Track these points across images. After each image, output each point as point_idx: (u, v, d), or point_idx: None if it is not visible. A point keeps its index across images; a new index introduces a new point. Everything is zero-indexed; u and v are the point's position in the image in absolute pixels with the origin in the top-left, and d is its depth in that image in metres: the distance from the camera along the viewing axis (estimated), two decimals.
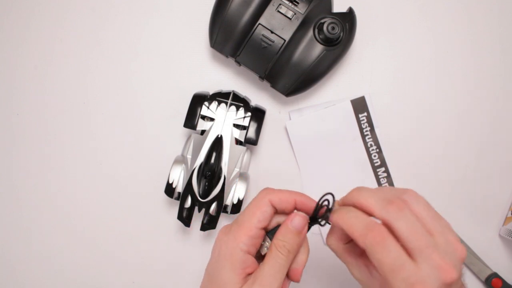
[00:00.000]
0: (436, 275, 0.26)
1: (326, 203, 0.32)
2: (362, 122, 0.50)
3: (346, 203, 0.31)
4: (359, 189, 0.31)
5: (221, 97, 0.46)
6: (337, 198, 0.33)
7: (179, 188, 0.45)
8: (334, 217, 0.31)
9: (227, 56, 0.47)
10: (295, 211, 0.33)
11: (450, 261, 0.27)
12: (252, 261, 0.32)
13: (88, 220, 0.51)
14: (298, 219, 0.32)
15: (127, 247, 0.50)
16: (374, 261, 0.28)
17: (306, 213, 0.33)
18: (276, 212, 0.33)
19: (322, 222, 0.32)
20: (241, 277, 0.31)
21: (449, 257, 0.27)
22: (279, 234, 0.32)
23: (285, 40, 0.45)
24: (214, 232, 0.50)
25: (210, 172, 0.44)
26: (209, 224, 0.45)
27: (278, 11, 0.45)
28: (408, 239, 0.27)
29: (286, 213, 0.33)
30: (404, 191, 0.30)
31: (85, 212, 0.50)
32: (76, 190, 0.51)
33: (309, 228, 0.33)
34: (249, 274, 0.32)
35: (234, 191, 0.45)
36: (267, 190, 0.33)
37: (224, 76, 0.51)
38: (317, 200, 0.32)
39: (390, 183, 0.50)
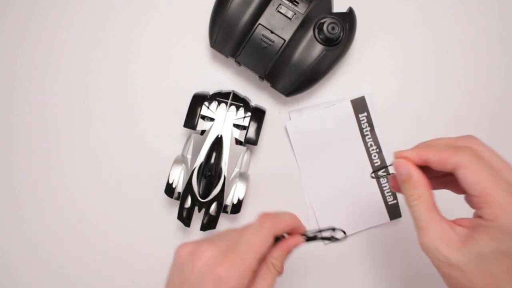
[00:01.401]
0: None
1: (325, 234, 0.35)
2: (362, 122, 0.50)
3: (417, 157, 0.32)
4: (420, 145, 0.32)
5: (221, 97, 0.46)
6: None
7: (179, 188, 0.45)
8: (415, 150, 0.31)
9: (227, 56, 0.47)
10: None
11: None
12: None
13: (88, 220, 0.51)
14: (295, 243, 0.34)
15: (127, 247, 0.50)
16: (470, 176, 0.28)
17: (293, 231, 0.35)
18: None
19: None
20: None
21: None
22: (279, 257, 0.33)
23: (285, 40, 0.45)
24: (214, 232, 0.50)
25: (210, 172, 0.44)
26: (209, 224, 0.45)
27: (278, 11, 0.45)
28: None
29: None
30: (466, 138, 0.32)
31: (85, 212, 0.50)
32: (75, 190, 0.51)
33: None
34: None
35: (234, 191, 0.45)
36: (271, 221, 0.32)
37: (224, 76, 0.51)
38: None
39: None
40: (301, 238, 0.34)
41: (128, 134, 0.51)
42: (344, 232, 0.37)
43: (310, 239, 0.35)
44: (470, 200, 0.30)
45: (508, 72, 0.51)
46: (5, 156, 0.51)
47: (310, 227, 0.50)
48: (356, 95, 0.50)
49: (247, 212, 0.50)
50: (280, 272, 0.33)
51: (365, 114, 0.50)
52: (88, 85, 0.51)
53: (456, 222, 0.30)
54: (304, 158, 0.50)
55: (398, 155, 0.32)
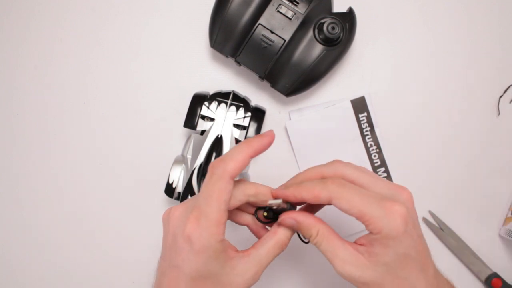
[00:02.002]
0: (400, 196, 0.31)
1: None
2: (362, 122, 0.50)
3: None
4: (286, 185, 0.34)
5: (221, 97, 0.46)
6: None
7: (179, 188, 0.45)
8: (290, 191, 0.32)
9: (227, 56, 0.47)
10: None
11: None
12: (228, 244, 0.31)
13: (88, 220, 0.50)
14: (303, 219, 0.33)
15: (127, 247, 0.50)
16: (344, 204, 0.30)
17: (262, 152, 0.33)
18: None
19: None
20: (230, 263, 0.31)
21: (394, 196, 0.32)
22: (289, 233, 0.33)
23: (285, 40, 0.45)
24: None
25: None
26: None
27: (278, 11, 0.45)
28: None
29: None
30: (331, 164, 0.33)
31: (85, 212, 0.50)
32: (75, 190, 0.51)
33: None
34: (235, 255, 0.31)
35: None
36: (220, 165, 0.30)
37: (224, 76, 0.51)
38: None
39: None
40: (304, 214, 0.33)
41: (128, 134, 0.51)
42: None
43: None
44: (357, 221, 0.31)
45: (508, 72, 0.51)
46: (5, 156, 0.51)
47: None
48: (356, 95, 0.50)
49: None
50: (283, 250, 0.33)
51: (365, 114, 0.50)
52: (88, 85, 0.51)
53: (357, 242, 0.32)
54: (304, 158, 0.50)
55: (275, 196, 0.33)
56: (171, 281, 0.31)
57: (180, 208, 0.32)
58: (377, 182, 0.32)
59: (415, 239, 0.31)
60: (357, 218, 0.30)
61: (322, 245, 0.32)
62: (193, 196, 0.33)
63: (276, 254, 0.32)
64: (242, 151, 0.31)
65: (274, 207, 0.33)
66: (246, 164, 0.31)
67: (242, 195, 0.32)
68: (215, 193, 0.30)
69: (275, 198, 0.33)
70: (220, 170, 0.30)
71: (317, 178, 0.34)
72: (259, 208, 0.34)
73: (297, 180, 0.35)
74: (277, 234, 0.33)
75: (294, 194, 0.32)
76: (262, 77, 0.46)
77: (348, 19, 0.46)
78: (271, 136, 0.32)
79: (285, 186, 0.35)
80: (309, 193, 0.31)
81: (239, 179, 0.33)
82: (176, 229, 0.30)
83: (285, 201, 0.33)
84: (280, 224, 0.33)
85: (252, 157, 0.31)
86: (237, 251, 0.32)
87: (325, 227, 0.32)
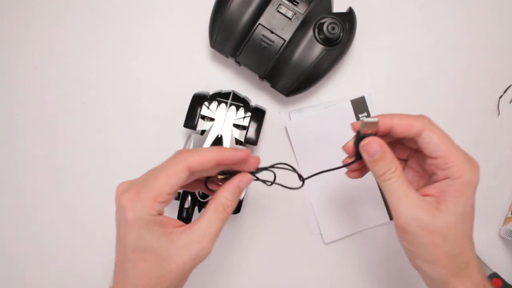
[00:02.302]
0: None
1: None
2: None
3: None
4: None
5: (221, 97, 0.46)
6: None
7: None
8: (382, 118, 0.32)
9: (227, 56, 0.47)
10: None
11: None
12: (167, 219, 0.30)
13: (88, 220, 0.50)
14: (247, 181, 0.32)
15: None
16: (435, 138, 0.30)
17: (230, 166, 0.32)
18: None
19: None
20: (166, 236, 0.29)
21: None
22: (228, 194, 0.31)
23: (285, 40, 0.45)
24: None
25: None
26: None
27: (278, 11, 0.45)
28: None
29: (208, 172, 0.32)
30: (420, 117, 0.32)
31: (85, 213, 0.50)
32: (75, 191, 0.51)
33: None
34: (175, 230, 0.30)
35: None
36: (184, 153, 0.30)
37: (224, 76, 0.51)
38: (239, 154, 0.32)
39: None
40: (247, 176, 0.32)
41: (128, 134, 0.51)
42: (302, 179, 0.35)
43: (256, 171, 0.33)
44: (433, 163, 0.31)
45: (508, 72, 0.51)
46: (5, 156, 0.51)
47: (310, 227, 0.50)
48: (356, 95, 0.50)
49: (247, 212, 0.50)
50: (230, 214, 0.31)
51: (365, 114, 0.50)
52: (88, 85, 0.51)
53: (423, 193, 0.32)
54: (304, 158, 0.50)
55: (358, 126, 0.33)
56: (118, 255, 0.31)
57: (127, 181, 0.32)
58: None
59: (475, 200, 0.31)
60: (441, 157, 0.30)
61: (397, 181, 0.31)
62: (145, 172, 0.32)
63: (219, 219, 0.31)
64: (212, 152, 0.30)
65: (361, 131, 0.32)
66: (209, 165, 0.30)
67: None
68: (166, 173, 0.29)
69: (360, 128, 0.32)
70: (182, 157, 0.30)
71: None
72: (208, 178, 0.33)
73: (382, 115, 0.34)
74: (215, 199, 0.31)
75: (385, 120, 0.31)
76: (262, 77, 0.46)
77: (348, 19, 0.46)
78: (246, 155, 0.31)
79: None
80: (402, 121, 0.31)
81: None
82: (117, 200, 0.30)
83: (371, 130, 0.32)
84: (364, 146, 0.32)
85: (219, 163, 0.30)
86: (181, 226, 0.31)
87: (401, 168, 0.32)
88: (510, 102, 0.51)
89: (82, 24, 0.51)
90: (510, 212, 0.50)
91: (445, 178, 0.30)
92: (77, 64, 0.51)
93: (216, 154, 0.30)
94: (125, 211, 0.29)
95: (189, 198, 0.45)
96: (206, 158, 0.30)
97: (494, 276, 0.48)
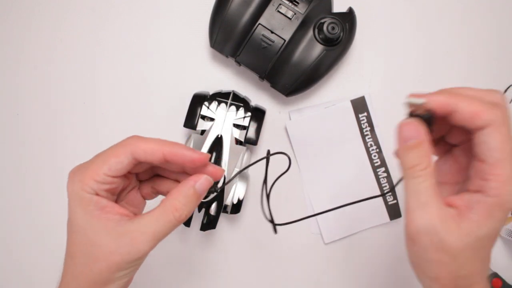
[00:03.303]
0: None
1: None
2: (362, 122, 0.50)
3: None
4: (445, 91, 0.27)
5: (221, 97, 0.46)
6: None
7: None
8: (447, 96, 0.26)
9: (227, 56, 0.47)
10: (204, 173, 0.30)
11: None
12: (109, 203, 0.28)
13: None
14: (204, 183, 0.28)
15: None
16: (498, 137, 0.24)
17: (180, 164, 0.29)
18: (139, 162, 0.29)
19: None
20: (99, 219, 0.27)
21: None
22: (180, 195, 0.28)
23: (285, 40, 0.45)
24: (214, 232, 0.50)
25: None
26: (209, 224, 0.45)
27: (278, 11, 0.45)
28: None
29: (155, 164, 0.30)
30: (493, 93, 0.27)
31: None
32: None
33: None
34: (112, 216, 0.28)
35: (234, 191, 0.45)
36: (133, 138, 0.29)
37: (224, 76, 0.51)
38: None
39: (390, 183, 0.50)
40: (203, 177, 0.28)
41: (128, 133, 0.50)
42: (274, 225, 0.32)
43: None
44: (477, 167, 0.26)
45: (508, 73, 0.51)
46: (5, 156, 0.51)
47: (310, 227, 0.50)
48: (356, 95, 0.50)
49: (247, 212, 0.50)
50: (179, 219, 0.28)
51: (365, 114, 0.50)
52: (88, 85, 0.51)
53: (447, 201, 0.27)
54: (304, 158, 0.50)
55: (418, 96, 0.26)
56: (67, 234, 0.30)
57: (78, 164, 0.30)
58: None
59: (503, 224, 0.26)
60: (489, 164, 0.25)
61: (422, 183, 0.26)
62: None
63: (164, 222, 0.28)
64: (161, 144, 0.28)
65: (411, 110, 0.26)
66: (154, 156, 0.28)
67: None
68: (107, 153, 0.28)
69: (412, 97, 0.27)
70: (129, 141, 0.28)
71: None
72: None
73: (449, 91, 0.28)
74: (167, 199, 0.28)
75: (450, 100, 0.26)
76: (262, 77, 0.46)
77: (348, 19, 0.46)
78: (199, 158, 0.28)
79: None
80: (470, 106, 0.25)
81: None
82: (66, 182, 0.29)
83: (424, 109, 0.26)
84: (402, 126, 0.27)
85: (166, 157, 0.28)
86: (124, 215, 0.28)
87: (433, 168, 0.26)
88: (510, 102, 0.51)
89: (82, 24, 0.51)
90: (510, 212, 0.50)
91: (478, 191, 0.25)
92: (77, 64, 0.51)
93: (165, 148, 0.28)
94: (67, 186, 0.28)
95: None
96: (151, 148, 0.28)
97: (494, 276, 0.48)
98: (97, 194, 0.28)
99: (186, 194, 0.28)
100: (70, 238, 0.29)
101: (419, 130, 0.26)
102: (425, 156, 0.26)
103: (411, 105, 0.26)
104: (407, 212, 0.26)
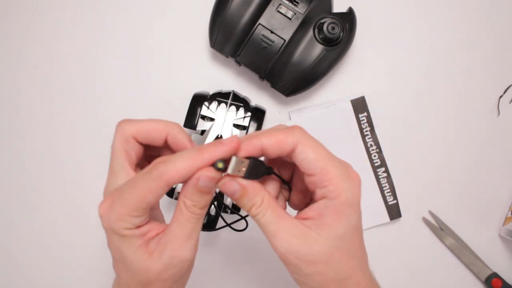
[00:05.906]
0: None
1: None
2: (362, 122, 0.50)
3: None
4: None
5: (221, 97, 0.46)
6: None
7: (179, 188, 0.45)
8: (249, 141, 0.27)
9: (227, 56, 0.47)
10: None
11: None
12: (147, 226, 0.28)
13: (88, 220, 0.50)
14: (205, 179, 0.26)
15: None
16: (310, 153, 0.26)
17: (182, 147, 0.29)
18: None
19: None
20: (142, 248, 0.27)
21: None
22: (187, 193, 0.27)
23: (285, 40, 0.45)
24: (214, 232, 0.50)
25: None
26: (209, 224, 0.45)
27: (278, 11, 0.45)
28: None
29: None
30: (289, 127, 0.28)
31: (85, 213, 0.50)
32: (76, 191, 0.51)
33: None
34: (150, 239, 0.28)
35: None
36: (161, 165, 0.26)
37: (224, 76, 0.51)
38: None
39: (390, 183, 0.50)
40: (210, 170, 0.26)
41: None
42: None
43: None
44: (311, 181, 0.27)
45: (508, 72, 0.51)
46: (5, 156, 0.51)
47: None
48: (356, 95, 0.50)
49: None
50: (193, 212, 0.27)
51: (365, 114, 0.50)
52: (88, 85, 0.51)
53: (300, 216, 0.28)
54: None
55: (223, 155, 0.26)
56: (118, 270, 0.29)
57: (108, 191, 0.29)
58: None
59: (360, 215, 0.28)
60: (317, 174, 0.26)
61: (265, 215, 0.27)
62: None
63: (186, 221, 0.27)
64: (191, 159, 0.26)
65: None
66: (190, 175, 0.26)
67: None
68: (141, 187, 0.26)
69: (222, 159, 0.26)
70: (159, 171, 0.26)
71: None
72: None
73: (248, 135, 0.28)
74: (178, 198, 0.28)
75: (252, 141, 0.26)
76: (262, 77, 0.46)
77: (348, 19, 0.46)
78: (230, 145, 0.26)
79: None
80: (271, 138, 0.26)
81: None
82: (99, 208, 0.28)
83: (244, 157, 0.27)
84: (221, 188, 0.27)
85: (200, 168, 0.26)
86: (161, 232, 0.28)
87: (270, 196, 0.28)
88: (510, 102, 0.51)
89: (82, 24, 0.51)
90: (510, 212, 0.50)
91: (323, 198, 0.27)
92: (77, 64, 0.51)
93: (196, 162, 0.26)
94: (102, 221, 0.27)
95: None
96: (185, 171, 0.26)
97: (494, 276, 0.48)
98: (137, 227, 0.27)
99: (192, 191, 0.27)
100: (118, 267, 0.29)
101: (236, 182, 0.27)
102: (254, 196, 0.27)
103: (220, 164, 0.26)
104: (269, 241, 0.28)
